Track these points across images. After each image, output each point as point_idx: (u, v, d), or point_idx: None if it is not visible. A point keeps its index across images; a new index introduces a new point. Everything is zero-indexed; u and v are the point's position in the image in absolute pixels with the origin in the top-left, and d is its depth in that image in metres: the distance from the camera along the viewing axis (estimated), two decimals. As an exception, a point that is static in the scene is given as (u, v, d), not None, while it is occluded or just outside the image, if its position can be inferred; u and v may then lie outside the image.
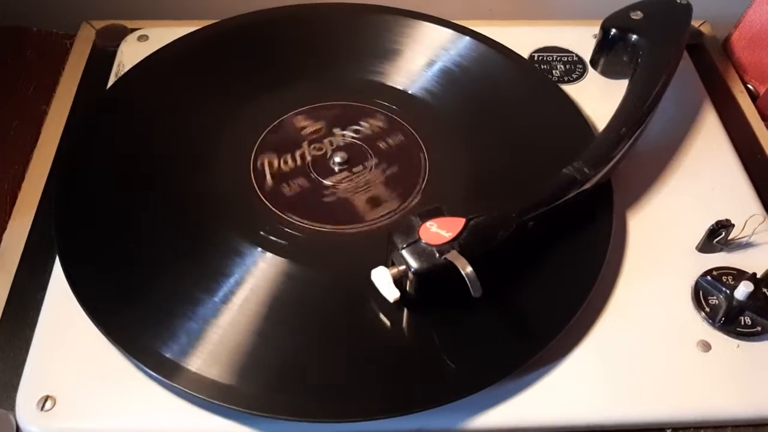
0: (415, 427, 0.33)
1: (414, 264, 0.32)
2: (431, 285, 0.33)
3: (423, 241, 0.33)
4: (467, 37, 0.47)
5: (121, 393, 0.33)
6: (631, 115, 0.40)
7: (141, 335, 0.33)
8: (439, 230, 0.33)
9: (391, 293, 0.33)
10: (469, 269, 0.31)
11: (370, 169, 0.41)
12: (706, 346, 0.35)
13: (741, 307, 0.36)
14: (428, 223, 0.33)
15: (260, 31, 0.48)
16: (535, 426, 0.33)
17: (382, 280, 0.33)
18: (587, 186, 0.37)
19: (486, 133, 0.43)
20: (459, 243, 0.33)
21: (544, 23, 0.53)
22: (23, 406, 0.32)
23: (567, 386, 0.34)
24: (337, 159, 0.41)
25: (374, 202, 0.40)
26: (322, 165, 0.41)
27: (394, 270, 0.33)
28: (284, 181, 0.40)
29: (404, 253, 0.33)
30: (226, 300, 0.35)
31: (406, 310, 0.35)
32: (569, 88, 0.47)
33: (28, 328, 0.35)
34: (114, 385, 0.33)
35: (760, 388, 0.34)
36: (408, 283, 0.33)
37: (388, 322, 0.35)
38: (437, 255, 0.32)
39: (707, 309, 0.37)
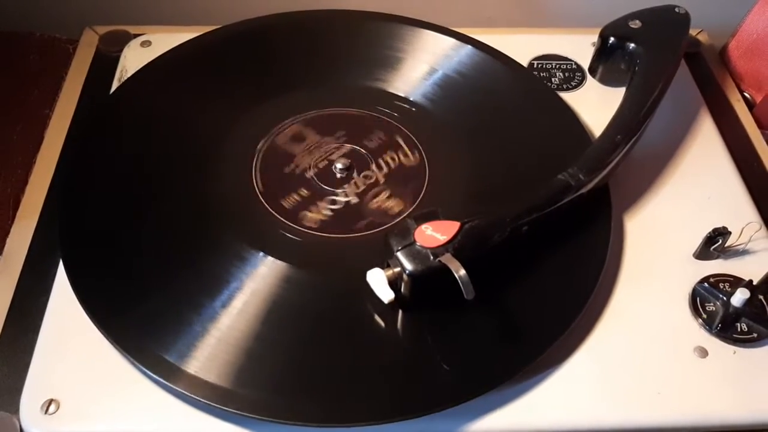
0: (413, 432, 0.33)
1: (409, 266, 0.33)
2: (426, 287, 0.34)
3: (418, 243, 0.33)
4: (467, 45, 0.47)
5: (124, 396, 0.33)
6: (627, 123, 0.40)
7: (143, 338, 0.33)
8: (434, 233, 0.33)
9: (386, 294, 0.33)
10: (463, 272, 0.31)
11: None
12: (703, 352, 0.36)
13: (737, 314, 0.36)
14: (423, 226, 0.34)
15: (262, 38, 0.48)
16: (532, 430, 0.33)
17: (378, 281, 0.33)
18: (582, 192, 0.37)
19: (485, 139, 0.44)
20: (453, 246, 0.33)
21: (543, 31, 0.53)
22: (27, 410, 0.33)
23: (565, 391, 0.34)
24: (339, 166, 0.41)
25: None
26: (323, 171, 0.42)
27: (389, 272, 0.33)
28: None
29: (399, 255, 0.33)
30: (226, 304, 0.35)
31: (405, 316, 0.35)
32: (568, 96, 0.48)
33: (31, 331, 0.35)
34: (117, 389, 0.33)
35: (757, 394, 0.34)
36: (403, 285, 0.34)
37: (386, 328, 0.35)
38: (432, 257, 0.33)
39: (704, 315, 0.37)
